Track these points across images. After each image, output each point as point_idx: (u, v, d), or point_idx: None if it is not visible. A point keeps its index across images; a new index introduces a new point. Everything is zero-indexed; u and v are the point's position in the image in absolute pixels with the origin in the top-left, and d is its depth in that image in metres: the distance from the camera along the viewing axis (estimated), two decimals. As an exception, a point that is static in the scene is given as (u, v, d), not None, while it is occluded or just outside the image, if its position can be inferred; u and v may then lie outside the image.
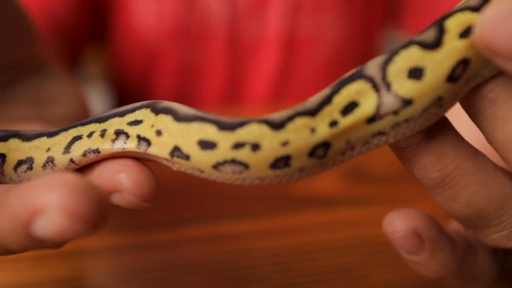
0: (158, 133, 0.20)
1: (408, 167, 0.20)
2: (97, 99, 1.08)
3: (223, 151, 0.18)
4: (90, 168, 0.21)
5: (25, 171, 0.21)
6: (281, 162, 0.18)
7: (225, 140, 0.18)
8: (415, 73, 0.18)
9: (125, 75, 0.57)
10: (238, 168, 0.18)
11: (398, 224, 0.21)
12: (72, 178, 0.16)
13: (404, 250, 0.22)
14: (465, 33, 0.18)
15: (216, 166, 0.19)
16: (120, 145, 0.20)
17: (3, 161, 0.21)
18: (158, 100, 0.21)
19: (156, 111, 0.20)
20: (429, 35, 0.18)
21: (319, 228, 0.32)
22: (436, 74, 0.18)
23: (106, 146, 0.21)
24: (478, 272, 0.23)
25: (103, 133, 0.21)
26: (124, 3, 0.54)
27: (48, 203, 0.16)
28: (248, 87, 0.56)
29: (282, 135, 0.18)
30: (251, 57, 0.55)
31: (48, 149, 0.21)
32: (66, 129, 0.21)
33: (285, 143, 0.18)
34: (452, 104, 0.19)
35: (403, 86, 0.18)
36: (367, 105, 0.18)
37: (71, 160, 0.21)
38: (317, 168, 0.19)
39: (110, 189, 0.20)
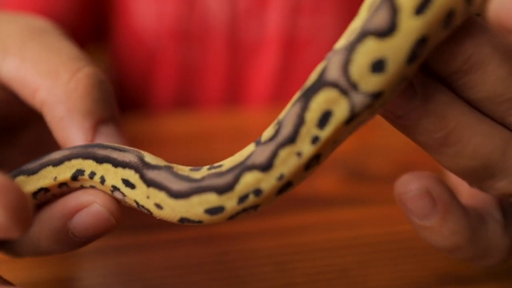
0: (158, 206, 0.21)
1: (410, 134, 0.20)
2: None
3: (232, 209, 0.20)
4: (52, 201, 0.23)
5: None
6: (284, 188, 0.19)
7: (229, 201, 0.20)
8: (378, 66, 0.18)
9: (125, 76, 0.57)
10: (250, 211, 0.20)
11: (411, 184, 0.21)
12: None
13: (416, 212, 0.22)
14: (420, 8, 0.17)
15: (230, 218, 0.20)
16: (121, 197, 0.22)
17: None
18: (91, 145, 0.22)
19: (147, 182, 0.21)
20: (382, 18, 0.17)
21: (318, 228, 0.32)
22: (398, 61, 0.18)
23: (108, 192, 0.22)
24: (490, 244, 0.23)
25: (102, 181, 0.22)
26: (124, 4, 0.54)
27: None
28: (248, 87, 0.56)
29: (275, 172, 0.19)
30: (251, 57, 0.55)
31: (55, 178, 0.22)
32: (69, 159, 0.22)
33: (281, 177, 0.19)
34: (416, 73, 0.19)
35: (370, 83, 0.18)
36: (341, 111, 0.18)
37: (82, 187, 0.22)
38: (316, 168, 0.20)
39: (78, 206, 0.22)
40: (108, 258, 0.30)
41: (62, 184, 0.22)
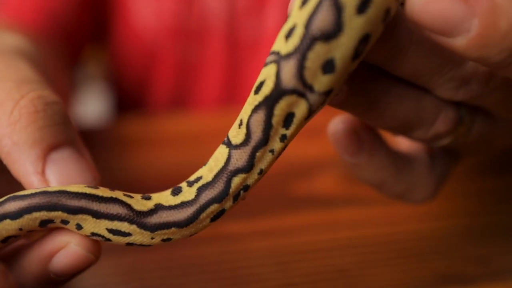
0: (167, 239, 0.22)
1: (340, 108, 0.22)
2: (97, 99, 1.08)
3: (229, 207, 0.22)
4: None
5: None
6: (262, 175, 0.22)
7: (227, 203, 0.22)
8: (328, 66, 0.19)
9: (125, 75, 0.57)
10: (240, 201, 0.22)
11: (340, 124, 0.25)
12: None
13: (346, 151, 0.25)
14: (362, 6, 0.18)
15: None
16: (104, 240, 0.22)
17: None
18: (55, 192, 0.21)
19: (150, 229, 0.22)
20: (327, 19, 0.18)
21: (318, 228, 0.32)
22: (345, 59, 0.19)
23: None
24: (416, 180, 0.26)
25: (79, 228, 0.22)
26: (123, 2, 0.54)
27: None
28: (247, 86, 0.56)
29: (256, 170, 0.21)
30: (249, 56, 0.55)
31: (20, 229, 0.22)
32: (29, 212, 0.21)
33: (260, 172, 0.22)
34: None
35: (322, 83, 0.19)
36: (301, 110, 0.20)
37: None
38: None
39: (54, 249, 0.22)
40: (108, 258, 0.30)
41: (31, 231, 0.22)
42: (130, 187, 0.37)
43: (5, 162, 0.23)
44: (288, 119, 0.20)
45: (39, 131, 0.22)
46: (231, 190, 0.21)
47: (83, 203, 0.21)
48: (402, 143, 0.29)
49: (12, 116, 0.22)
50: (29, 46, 0.29)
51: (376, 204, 0.34)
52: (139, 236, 0.22)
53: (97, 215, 0.21)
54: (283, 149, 0.21)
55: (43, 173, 0.22)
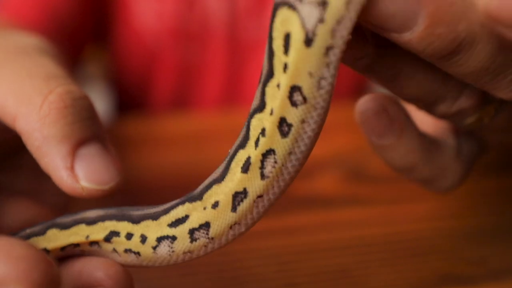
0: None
1: (366, 73, 0.22)
2: (97, 99, 1.08)
3: (256, 157, 0.21)
4: (71, 260, 0.23)
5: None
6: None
7: (252, 152, 0.21)
8: None
9: (125, 75, 0.57)
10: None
11: (369, 103, 0.24)
12: (22, 249, 0.18)
13: (375, 131, 0.24)
14: None
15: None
16: (168, 246, 0.22)
17: (47, 253, 0.23)
18: (126, 208, 0.23)
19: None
20: None
21: (319, 228, 0.32)
22: None
23: (148, 251, 0.23)
24: (444, 165, 0.25)
25: (143, 240, 0.22)
26: (124, 3, 0.54)
27: (4, 278, 0.17)
28: (248, 87, 0.56)
29: (267, 109, 0.20)
30: (250, 57, 0.55)
31: (87, 236, 0.23)
32: (103, 220, 0.23)
33: (271, 113, 0.20)
34: None
35: None
36: (295, 28, 0.18)
37: (114, 250, 0.23)
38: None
39: (88, 285, 0.22)
40: (108, 258, 0.30)
41: (94, 243, 0.23)
42: (131, 187, 0.37)
43: (35, 156, 0.23)
44: (286, 42, 0.19)
45: (69, 126, 0.23)
46: (250, 133, 0.21)
47: (144, 211, 0.22)
48: (428, 126, 0.28)
49: (42, 111, 0.23)
50: (46, 44, 0.29)
51: (376, 204, 0.34)
52: (194, 213, 0.22)
53: (156, 216, 0.22)
54: (288, 86, 0.19)
55: (72, 168, 0.23)
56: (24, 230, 0.23)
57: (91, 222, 0.23)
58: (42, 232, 0.23)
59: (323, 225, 0.33)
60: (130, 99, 0.57)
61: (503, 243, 0.32)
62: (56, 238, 0.23)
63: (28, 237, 0.23)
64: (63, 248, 0.23)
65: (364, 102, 0.24)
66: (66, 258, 0.23)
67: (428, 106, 0.23)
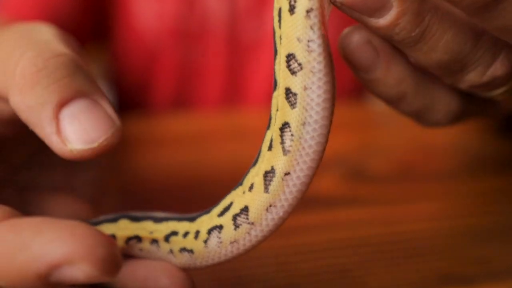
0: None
1: (389, 35, 0.21)
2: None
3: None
4: (131, 263, 0.23)
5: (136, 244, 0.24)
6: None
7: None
8: None
9: (126, 75, 0.57)
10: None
11: (352, 35, 0.23)
12: (85, 229, 0.18)
13: (361, 65, 0.23)
14: None
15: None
16: (216, 237, 0.23)
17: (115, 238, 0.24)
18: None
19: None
20: None
21: (319, 228, 0.32)
22: None
23: (200, 246, 0.23)
24: (437, 97, 0.24)
25: (196, 236, 0.23)
26: (125, 3, 0.54)
27: (70, 255, 0.17)
28: (248, 87, 0.56)
29: (280, 57, 0.21)
30: (250, 57, 0.55)
31: (151, 232, 0.24)
32: (167, 220, 0.24)
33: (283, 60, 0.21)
34: None
35: None
36: (283, 2, 0.20)
37: (171, 250, 0.24)
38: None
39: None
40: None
41: (154, 241, 0.24)
42: (131, 187, 0.37)
43: (31, 129, 0.22)
44: (279, 16, 0.20)
45: (45, 90, 0.21)
46: (271, 113, 0.21)
47: (197, 213, 0.24)
48: None
49: (17, 81, 0.22)
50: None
51: (376, 204, 0.34)
52: (236, 198, 0.22)
53: (209, 210, 0.23)
54: (284, 56, 0.20)
55: (59, 132, 0.21)
56: (98, 217, 0.25)
57: (158, 220, 0.24)
58: (114, 220, 0.24)
59: (323, 225, 0.33)
60: (130, 99, 0.57)
61: (503, 243, 0.32)
62: (125, 228, 0.24)
63: (100, 223, 0.24)
64: (128, 239, 0.24)
65: (346, 35, 0.23)
66: (126, 260, 0.24)
67: (455, 75, 0.22)
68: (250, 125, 0.49)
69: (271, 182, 0.21)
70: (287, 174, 0.21)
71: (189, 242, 0.23)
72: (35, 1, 0.48)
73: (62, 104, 0.21)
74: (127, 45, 0.55)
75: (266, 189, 0.22)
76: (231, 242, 0.23)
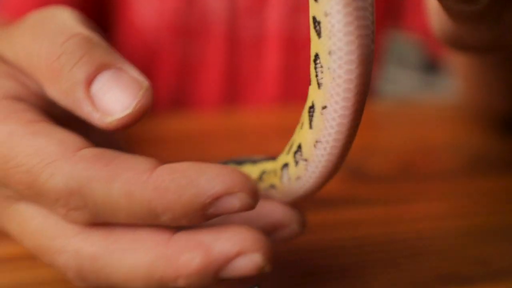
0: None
1: None
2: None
3: None
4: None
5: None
6: None
7: None
8: None
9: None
10: None
11: None
12: (232, 168, 0.21)
13: None
14: None
15: None
16: (286, 173, 0.24)
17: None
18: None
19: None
20: None
21: (318, 228, 0.32)
22: None
23: (277, 182, 0.25)
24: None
25: (275, 172, 0.25)
26: (125, 0, 0.54)
27: (231, 187, 0.20)
28: (247, 85, 0.56)
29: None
30: (250, 55, 0.55)
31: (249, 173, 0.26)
32: (261, 161, 0.26)
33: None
34: None
35: None
36: None
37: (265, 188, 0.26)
38: None
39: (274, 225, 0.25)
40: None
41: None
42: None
43: (74, 113, 0.23)
44: None
45: (71, 73, 0.22)
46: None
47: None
48: None
49: (45, 73, 0.23)
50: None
51: (376, 204, 0.34)
52: (295, 136, 0.23)
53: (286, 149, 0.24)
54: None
55: (96, 108, 0.22)
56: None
57: (254, 162, 0.26)
58: (225, 163, 0.26)
59: (323, 225, 0.33)
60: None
61: (503, 243, 0.32)
62: (250, 171, 0.26)
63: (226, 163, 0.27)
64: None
65: None
66: None
67: None
68: (249, 125, 0.49)
69: (313, 118, 0.21)
70: (324, 107, 0.21)
71: (272, 179, 0.25)
72: (35, 1, 0.48)
73: (90, 81, 0.22)
74: (127, 42, 0.55)
75: (310, 125, 0.22)
76: (297, 179, 0.23)
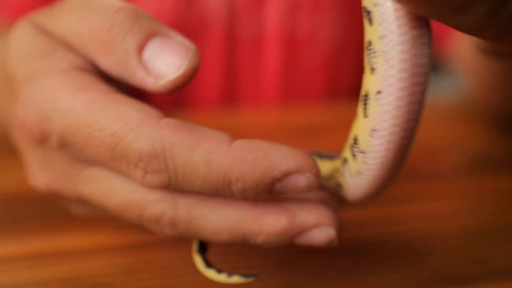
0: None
1: None
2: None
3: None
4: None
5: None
6: None
7: None
8: None
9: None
10: None
11: None
12: (302, 152, 0.22)
13: None
14: None
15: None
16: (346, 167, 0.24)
17: None
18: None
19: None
20: None
21: (319, 228, 0.32)
22: None
23: (341, 179, 0.25)
24: None
25: (344, 163, 0.25)
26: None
27: (301, 165, 0.22)
28: (246, 84, 0.56)
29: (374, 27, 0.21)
30: (249, 54, 0.55)
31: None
32: (330, 157, 0.27)
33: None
34: None
35: None
36: None
37: (338, 184, 0.26)
38: None
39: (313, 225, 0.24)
40: (108, 258, 0.30)
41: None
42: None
43: (129, 83, 0.25)
44: None
45: (122, 43, 0.24)
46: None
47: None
48: None
49: (99, 46, 0.24)
50: None
51: (376, 204, 0.34)
52: (353, 130, 0.23)
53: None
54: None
55: (149, 72, 0.24)
56: None
57: (321, 156, 0.27)
58: (321, 157, 0.27)
59: (323, 225, 0.33)
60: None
61: (503, 243, 0.32)
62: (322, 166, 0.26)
63: None
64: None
65: None
66: None
67: None
68: (248, 124, 0.49)
69: (367, 105, 0.21)
70: (378, 92, 0.20)
71: (338, 177, 0.25)
72: (35, 1, 0.48)
73: (141, 48, 0.24)
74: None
75: (365, 114, 0.21)
76: (357, 173, 0.23)
